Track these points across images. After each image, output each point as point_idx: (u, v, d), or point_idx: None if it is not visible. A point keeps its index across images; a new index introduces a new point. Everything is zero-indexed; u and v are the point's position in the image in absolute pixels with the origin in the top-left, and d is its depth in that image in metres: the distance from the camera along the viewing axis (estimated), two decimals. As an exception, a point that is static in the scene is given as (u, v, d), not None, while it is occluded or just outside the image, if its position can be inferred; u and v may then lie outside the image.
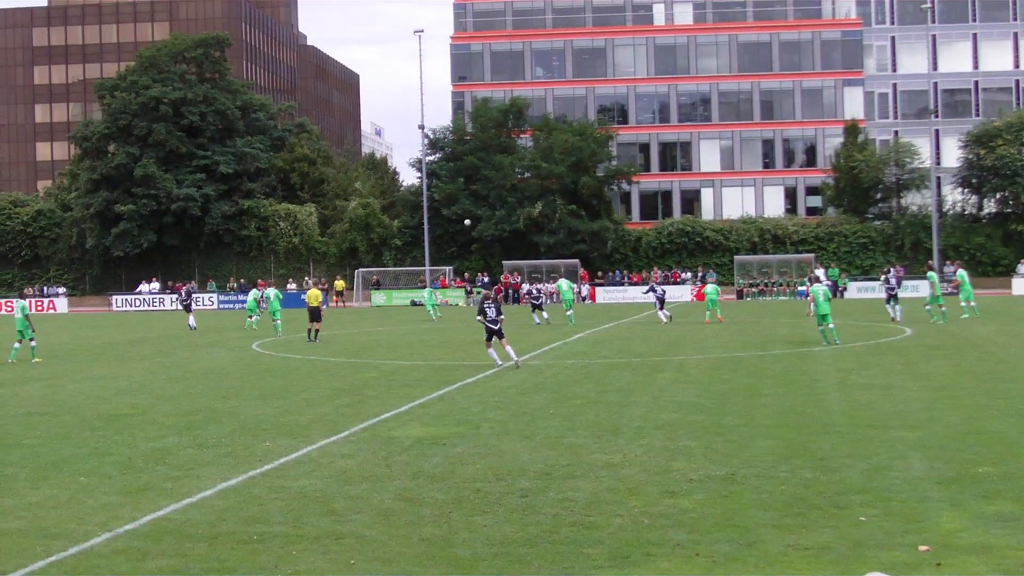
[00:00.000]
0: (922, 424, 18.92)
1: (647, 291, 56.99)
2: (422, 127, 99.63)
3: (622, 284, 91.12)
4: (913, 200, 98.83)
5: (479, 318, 31.12)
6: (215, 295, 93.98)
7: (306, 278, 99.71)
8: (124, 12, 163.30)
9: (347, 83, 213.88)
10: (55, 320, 71.71)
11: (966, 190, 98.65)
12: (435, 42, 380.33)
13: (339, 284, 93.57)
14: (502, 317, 30.78)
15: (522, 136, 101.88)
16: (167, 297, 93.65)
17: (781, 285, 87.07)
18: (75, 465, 16.98)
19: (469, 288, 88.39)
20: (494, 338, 30.63)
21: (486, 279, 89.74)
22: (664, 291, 56.25)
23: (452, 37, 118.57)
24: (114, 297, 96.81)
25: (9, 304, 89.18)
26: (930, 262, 67.32)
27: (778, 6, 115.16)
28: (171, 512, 13.47)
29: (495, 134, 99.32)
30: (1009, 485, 13.88)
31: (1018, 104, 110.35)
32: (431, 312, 63.03)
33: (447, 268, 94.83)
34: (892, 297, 49.06)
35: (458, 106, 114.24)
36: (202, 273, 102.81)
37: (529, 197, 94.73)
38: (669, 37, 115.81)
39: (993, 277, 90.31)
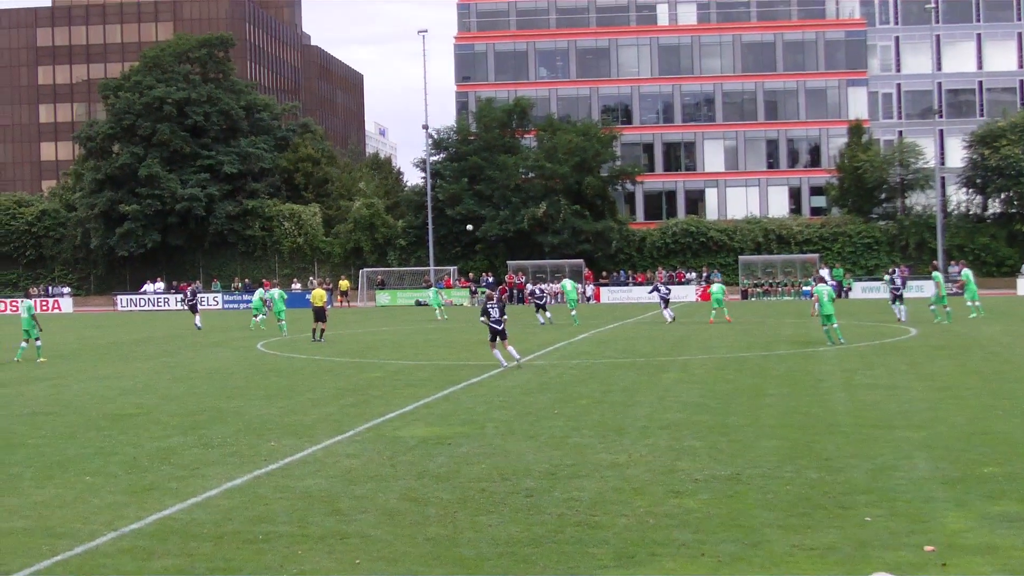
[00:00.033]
0: (927, 424, 18.90)
1: (651, 291, 56.99)
2: (426, 127, 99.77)
3: (626, 284, 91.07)
4: (917, 200, 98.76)
5: (482, 319, 31.09)
6: (220, 295, 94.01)
7: (311, 278, 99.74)
8: (128, 12, 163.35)
9: (351, 83, 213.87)
10: (60, 320, 71.75)
11: (970, 190, 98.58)
12: (439, 42, 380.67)
13: (343, 284, 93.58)
14: (505, 317, 30.76)
15: (526, 136, 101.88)
16: (172, 297, 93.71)
17: (786, 285, 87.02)
18: (80, 465, 16.99)
19: (474, 288, 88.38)
20: (498, 338, 30.61)
21: (490, 279, 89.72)
22: (669, 291, 56.27)
23: (456, 37, 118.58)
24: (119, 297, 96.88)
25: (14, 304, 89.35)
26: (935, 262, 67.20)
27: (782, 6, 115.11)
28: (176, 512, 13.48)
29: (499, 134, 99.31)
30: (1014, 485, 13.86)
31: (1022, 104, 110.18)
32: (438, 312, 62.99)
33: (451, 268, 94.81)
34: (897, 297, 49.06)
35: (462, 106, 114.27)
36: (207, 273, 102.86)
37: (533, 197, 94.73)
38: (673, 37, 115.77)
39: (998, 277, 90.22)
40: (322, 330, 44.72)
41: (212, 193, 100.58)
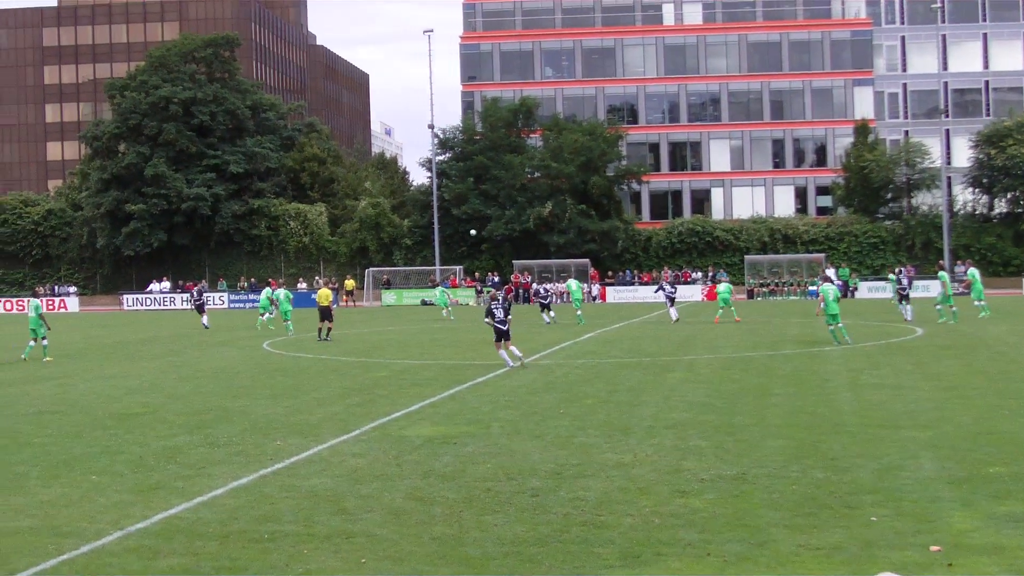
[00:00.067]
0: (933, 424, 18.89)
1: (656, 290, 57.07)
2: (432, 127, 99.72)
3: (632, 284, 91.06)
4: (924, 200, 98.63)
5: (487, 320, 31.10)
6: (226, 294, 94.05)
7: (317, 277, 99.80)
8: (134, 12, 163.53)
9: (357, 83, 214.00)
10: (66, 319, 71.81)
11: (977, 190, 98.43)
12: (445, 42, 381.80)
13: (349, 284, 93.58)
14: (510, 318, 30.74)
15: (532, 136, 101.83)
16: (178, 296, 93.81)
17: (791, 285, 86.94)
18: (86, 464, 17.01)
19: (479, 288, 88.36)
20: (500, 339, 30.63)
21: (496, 279, 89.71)
22: (675, 290, 56.35)
23: (462, 37, 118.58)
24: (125, 296, 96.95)
25: (20, 303, 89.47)
26: (941, 262, 67.15)
27: (787, 6, 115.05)
28: (182, 511, 13.50)
29: (505, 134, 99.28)
30: (1021, 485, 13.85)
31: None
32: (445, 312, 62.96)
33: (457, 268, 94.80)
34: (904, 297, 49.03)
35: (468, 106, 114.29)
36: (212, 272, 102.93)
37: (539, 197, 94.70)
38: (679, 37, 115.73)
39: (1004, 277, 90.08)
40: (328, 329, 44.74)
41: (218, 193, 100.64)
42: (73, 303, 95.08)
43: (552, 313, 54.14)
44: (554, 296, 77.57)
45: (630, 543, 11.58)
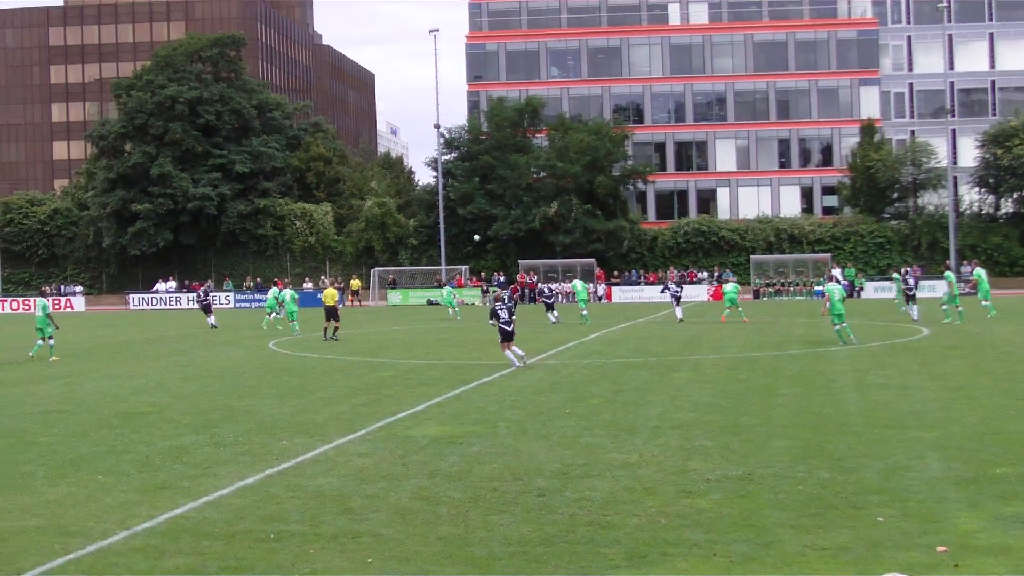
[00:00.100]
0: (939, 424, 18.87)
1: (663, 290, 57.14)
2: (437, 126, 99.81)
3: (638, 284, 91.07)
4: (930, 200, 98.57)
5: (492, 321, 31.11)
6: (232, 294, 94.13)
7: (322, 277, 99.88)
8: (140, 12, 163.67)
9: (362, 82, 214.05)
10: (72, 319, 71.86)
11: (983, 190, 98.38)
12: (450, 42, 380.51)
13: (355, 283, 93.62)
14: (514, 318, 30.73)
15: (537, 136, 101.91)
16: (183, 296, 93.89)
17: (798, 285, 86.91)
18: (93, 463, 17.02)
19: (485, 287, 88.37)
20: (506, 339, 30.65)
21: (502, 278, 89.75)
22: (680, 289, 56.42)
23: (467, 37, 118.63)
24: (131, 296, 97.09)
25: (27, 303, 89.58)
26: (947, 262, 67.10)
27: (793, 5, 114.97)
28: (188, 510, 13.50)
29: (510, 133, 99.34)
30: (1027, 486, 13.84)
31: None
32: (454, 312, 62.94)
33: (463, 267, 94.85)
34: (910, 298, 49.00)
35: (473, 105, 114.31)
36: (218, 272, 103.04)
37: (545, 196, 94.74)
38: (684, 37, 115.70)
39: (1010, 277, 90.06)
40: (335, 328, 44.78)
41: (224, 192, 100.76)
42: (79, 303, 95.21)
43: (556, 313, 54.16)
44: (559, 296, 77.87)
45: (636, 543, 11.58)
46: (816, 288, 79.78)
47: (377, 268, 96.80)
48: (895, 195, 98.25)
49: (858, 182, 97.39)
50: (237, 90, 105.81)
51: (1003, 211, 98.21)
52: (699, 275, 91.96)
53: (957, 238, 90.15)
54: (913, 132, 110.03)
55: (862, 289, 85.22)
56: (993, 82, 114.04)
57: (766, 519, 12.42)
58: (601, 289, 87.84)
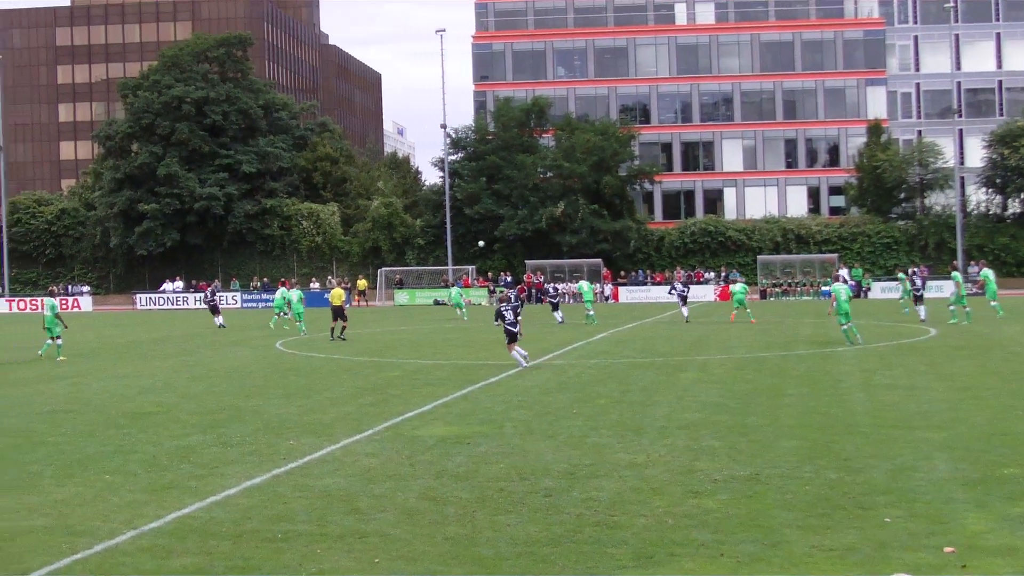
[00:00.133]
0: (947, 425, 18.84)
1: (670, 291, 57.23)
2: (444, 126, 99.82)
3: (645, 284, 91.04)
4: (937, 200, 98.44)
5: (497, 322, 31.13)
6: (239, 294, 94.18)
7: (329, 277, 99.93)
8: (147, 12, 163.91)
9: (369, 82, 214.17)
10: (79, 319, 71.88)
11: (990, 190, 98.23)
12: (457, 42, 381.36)
13: (361, 283, 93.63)
14: (520, 319, 30.74)
15: (544, 136, 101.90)
16: (191, 296, 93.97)
17: (804, 285, 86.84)
18: (100, 463, 17.04)
19: (492, 288, 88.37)
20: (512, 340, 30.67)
21: (509, 279, 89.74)
22: (687, 289, 56.53)
23: (474, 37, 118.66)
24: (138, 296, 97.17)
25: (34, 303, 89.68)
26: (955, 262, 67.02)
27: (800, 5, 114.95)
28: (196, 510, 13.51)
29: (517, 134, 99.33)
30: (1035, 486, 13.82)
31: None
32: (462, 312, 62.93)
33: (470, 267, 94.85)
34: (918, 298, 48.97)
35: (480, 105, 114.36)
36: (225, 272, 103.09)
37: (551, 197, 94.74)
38: (691, 37, 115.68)
39: (1018, 278, 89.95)
40: (343, 328, 44.83)
41: (231, 192, 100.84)
42: (86, 302, 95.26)
43: (560, 313, 54.18)
44: (566, 296, 77.85)
45: (643, 543, 11.57)
46: (823, 288, 79.69)
47: (384, 268, 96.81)
48: (902, 195, 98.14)
49: (865, 182, 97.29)
50: (244, 90, 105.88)
51: (1010, 211, 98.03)
52: (706, 275, 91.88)
53: (964, 238, 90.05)
54: (920, 132, 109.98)
55: (869, 289, 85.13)
56: (1000, 82, 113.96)
57: (773, 519, 12.41)
58: (608, 289, 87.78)
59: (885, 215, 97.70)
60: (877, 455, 16.09)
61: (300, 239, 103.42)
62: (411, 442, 18.26)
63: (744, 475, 14.86)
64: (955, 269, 51.79)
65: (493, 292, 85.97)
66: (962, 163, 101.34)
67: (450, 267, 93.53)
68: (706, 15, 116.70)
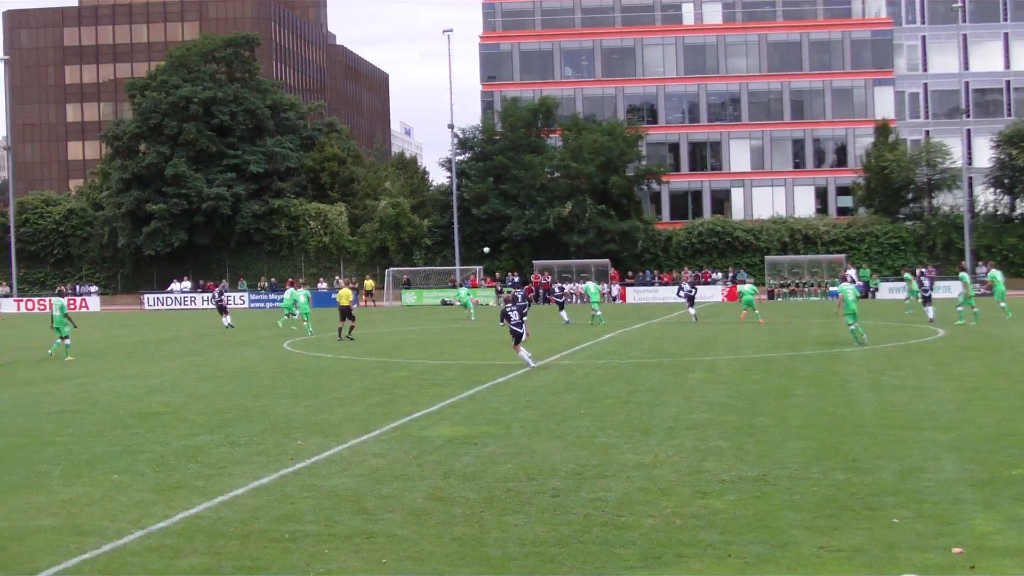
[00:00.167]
0: (955, 425, 18.82)
1: (678, 292, 57.24)
2: (451, 127, 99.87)
3: (652, 284, 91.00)
4: (945, 200, 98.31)
5: (502, 323, 31.15)
6: (246, 294, 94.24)
7: (337, 277, 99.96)
8: (154, 12, 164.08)
9: (376, 82, 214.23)
10: (87, 319, 72.00)
11: (998, 190, 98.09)
12: (464, 42, 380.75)
13: (369, 283, 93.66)
14: (526, 319, 30.75)
15: (551, 136, 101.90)
16: (198, 296, 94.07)
17: (812, 285, 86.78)
18: (108, 463, 17.06)
19: (499, 288, 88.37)
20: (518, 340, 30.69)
21: (516, 279, 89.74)
22: (695, 290, 56.54)
23: (481, 37, 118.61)
24: (146, 296, 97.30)
25: (42, 303, 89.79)
26: (962, 263, 66.90)
27: (807, 5, 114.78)
28: (203, 510, 13.52)
29: (524, 134, 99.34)
30: (1043, 487, 13.80)
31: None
32: (469, 312, 62.99)
33: (477, 268, 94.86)
34: (926, 299, 48.92)
35: (487, 106, 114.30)
36: (233, 272, 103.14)
37: (559, 197, 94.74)
38: (698, 37, 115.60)
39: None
40: (351, 328, 44.88)
41: (238, 192, 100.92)
42: (94, 302, 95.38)
43: (566, 313, 54.23)
44: (573, 296, 77.88)
45: (651, 544, 11.57)
46: (831, 289, 79.61)
47: (391, 268, 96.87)
48: (910, 196, 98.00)
49: (873, 182, 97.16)
50: (251, 90, 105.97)
51: (1018, 212, 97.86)
52: (713, 275, 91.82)
53: (972, 239, 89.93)
54: (928, 132, 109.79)
55: (877, 290, 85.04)
56: (1008, 82, 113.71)
57: (781, 520, 12.40)
58: (615, 289, 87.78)
59: (893, 215, 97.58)
60: (885, 456, 16.08)
61: (308, 239, 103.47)
62: (419, 442, 18.26)
63: (752, 476, 14.85)
64: (963, 270, 51.72)
65: (500, 292, 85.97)
66: (970, 163, 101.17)
67: (457, 267, 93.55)
68: (713, 15, 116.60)
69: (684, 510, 12.96)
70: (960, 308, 47.46)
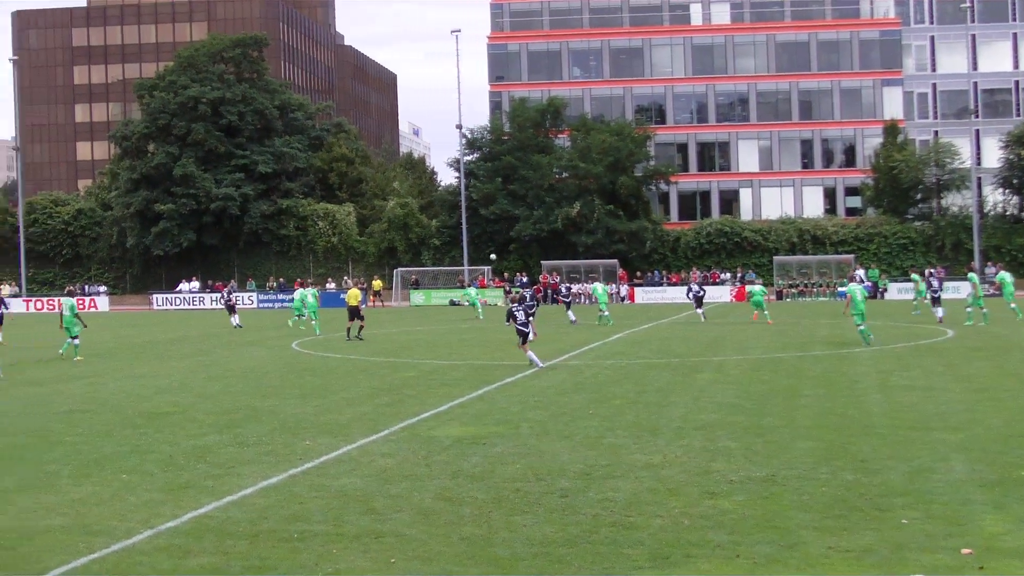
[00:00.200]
0: (964, 426, 18.80)
1: (688, 293, 57.33)
2: (460, 127, 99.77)
3: (661, 284, 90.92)
4: (953, 201, 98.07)
5: (508, 323, 31.20)
6: (255, 294, 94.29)
7: (345, 277, 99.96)
8: (162, 12, 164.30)
9: (385, 83, 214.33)
10: (96, 319, 72.02)
11: (1007, 191, 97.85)
12: (472, 42, 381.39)
13: (376, 284, 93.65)
14: (531, 319, 30.77)
15: (560, 136, 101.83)
16: (207, 296, 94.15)
17: (821, 286, 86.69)
18: (117, 463, 17.08)
19: (508, 288, 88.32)
20: (526, 339, 30.74)
21: (524, 279, 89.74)
22: (703, 291, 56.59)
23: (489, 37, 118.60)
24: (154, 296, 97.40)
25: (51, 303, 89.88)
26: (971, 263, 66.78)
27: (816, 6, 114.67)
28: (212, 510, 13.54)
29: (533, 134, 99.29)
30: (1053, 488, 13.77)
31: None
32: (479, 312, 63.04)
33: (486, 268, 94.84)
34: (936, 299, 48.86)
35: (495, 106, 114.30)
36: (241, 272, 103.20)
37: (567, 197, 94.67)
38: (707, 37, 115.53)
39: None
40: (360, 328, 44.91)
41: (247, 192, 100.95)
42: (103, 303, 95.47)
43: (572, 313, 54.27)
44: (581, 297, 77.84)
45: (659, 544, 11.57)
46: (840, 289, 79.52)
47: (400, 268, 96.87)
48: (918, 196, 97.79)
49: (881, 183, 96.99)
50: (259, 91, 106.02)
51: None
52: (722, 276, 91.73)
53: (981, 239, 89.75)
54: (936, 133, 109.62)
55: (886, 290, 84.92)
56: (1017, 82, 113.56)
57: (790, 521, 12.39)
58: (624, 290, 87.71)
59: (901, 216, 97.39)
60: (894, 456, 16.07)
61: (316, 239, 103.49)
62: (427, 442, 18.27)
63: (760, 476, 14.84)
64: (972, 270, 51.64)
65: (508, 292, 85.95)
66: (979, 164, 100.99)
67: (466, 267, 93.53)
68: (722, 15, 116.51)
69: (693, 510, 12.96)
70: (969, 309, 47.39)
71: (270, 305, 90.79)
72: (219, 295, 79.95)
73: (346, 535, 12.20)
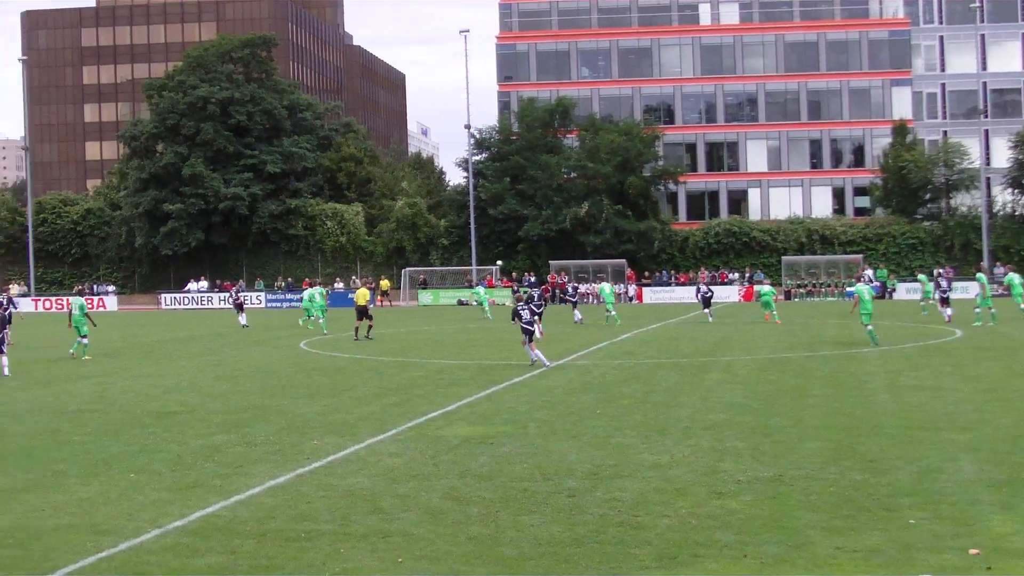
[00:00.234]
0: (973, 426, 18.77)
1: (697, 294, 57.38)
2: (468, 127, 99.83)
3: (669, 284, 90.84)
4: (962, 201, 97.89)
5: (514, 321, 31.25)
6: (263, 294, 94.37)
7: (353, 277, 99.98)
8: (171, 12, 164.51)
9: (393, 83, 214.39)
10: (105, 318, 72.08)
11: (1016, 191, 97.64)
12: (481, 42, 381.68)
13: (384, 284, 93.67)
14: (536, 318, 30.79)
15: (568, 136, 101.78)
16: (215, 296, 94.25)
17: (829, 286, 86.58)
18: (125, 462, 17.10)
19: (515, 288, 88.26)
20: (532, 337, 30.76)
21: (533, 279, 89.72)
22: (711, 291, 56.62)
23: (498, 37, 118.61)
24: (163, 295, 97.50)
25: (59, 302, 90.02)
26: (980, 263, 66.66)
27: (825, 6, 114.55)
28: (220, 509, 13.56)
29: (541, 134, 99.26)
30: (1061, 488, 13.74)
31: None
32: (487, 311, 63.10)
33: (494, 267, 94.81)
34: (944, 300, 48.79)
35: (504, 106, 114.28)
36: (250, 272, 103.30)
37: (575, 197, 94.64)
38: (715, 37, 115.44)
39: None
40: (369, 327, 44.96)
41: (255, 192, 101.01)
42: (112, 302, 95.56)
43: (578, 312, 54.33)
44: (588, 296, 77.84)
45: (667, 544, 11.56)
46: (848, 289, 79.39)
47: (408, 268, 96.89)
48: (927, 196, 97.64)
49: (890, 183, 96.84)
50: (268, 91, 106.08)
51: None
52: (730, 276, 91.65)
53: (990, 239, 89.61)
54: (945, 133, 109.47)
55: (894, 290, 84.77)
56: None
57: (797, 521, 12.38)
58: (632, 290, 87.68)
59: (910, 216, 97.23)
60: (902, 456, 16.05)
61: (324, 239, 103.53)
62: (435, 442, 18.28)
63: (768, 476, 14.83)
64: (980, 270, 51.52)
65: (516, 292, 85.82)
66: (988, 164, 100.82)
67: (474, 267, 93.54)
68: (730, 15, 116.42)
69: (700, 510, 12.95)
70: (977, 309, 47.30)
71: (278, 305, 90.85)
72: (227, 295, 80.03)
73: (353, 534, 12.21)
